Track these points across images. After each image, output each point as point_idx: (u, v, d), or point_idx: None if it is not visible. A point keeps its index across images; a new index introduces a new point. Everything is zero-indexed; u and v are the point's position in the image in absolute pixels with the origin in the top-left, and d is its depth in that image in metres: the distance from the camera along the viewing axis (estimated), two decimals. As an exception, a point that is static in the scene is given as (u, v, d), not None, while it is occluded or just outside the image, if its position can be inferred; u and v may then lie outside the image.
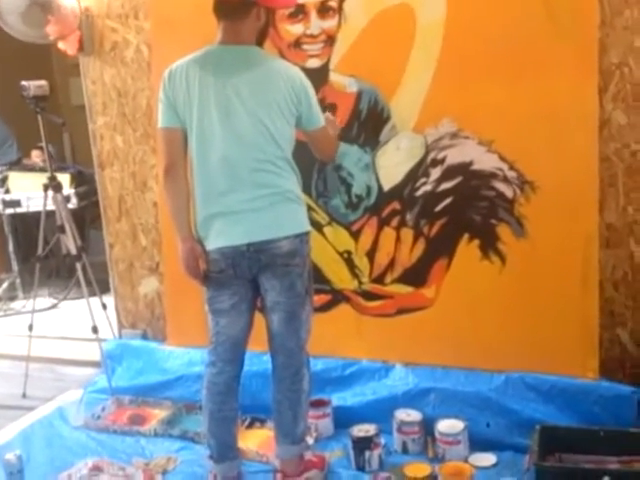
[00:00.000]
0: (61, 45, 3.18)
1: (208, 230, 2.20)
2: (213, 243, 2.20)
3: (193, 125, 2.15)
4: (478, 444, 2.51)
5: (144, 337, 3.47)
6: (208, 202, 2.19)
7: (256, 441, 2.72)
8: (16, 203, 4.50)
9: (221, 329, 2.30)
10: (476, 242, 2.64)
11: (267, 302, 2.28)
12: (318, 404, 2.75)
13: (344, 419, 2.70)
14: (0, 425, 3.03)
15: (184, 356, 3.10)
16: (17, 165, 4.91)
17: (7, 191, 4.59)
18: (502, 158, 2.54)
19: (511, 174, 2.53)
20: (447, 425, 2.52)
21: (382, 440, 2.55)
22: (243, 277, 2.23)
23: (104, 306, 3.37)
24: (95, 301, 3.30)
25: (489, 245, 2.62)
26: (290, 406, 2.34)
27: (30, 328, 3.35)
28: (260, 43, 2.25)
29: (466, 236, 2.65)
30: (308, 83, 2.23)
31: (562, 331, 2.54)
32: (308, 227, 2.27)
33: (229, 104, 2.13)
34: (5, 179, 4.64)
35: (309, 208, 2.83)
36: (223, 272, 2.22)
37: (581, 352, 2.52)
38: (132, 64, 3.15)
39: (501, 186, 2.56)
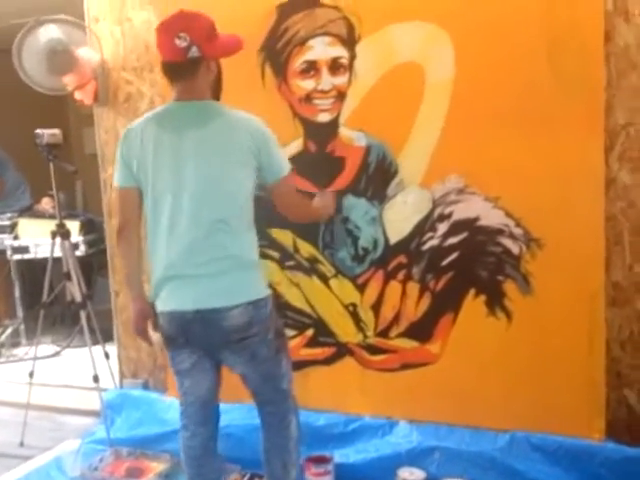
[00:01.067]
0: (78, 95, 3.26)
1: (160, 291, 2.14)
2: (162, 305, 2.15)
3: (148, 185, 2.11)
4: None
5: (145, 387, 3.44)
6: (162, 264, 2.12)
7: (255, 498, 2.66)
8: (24, 249, 4.52)
9: (187, 390, 2.22)
10: (482, 298, 2.63)
11: (240, 375, 2.24)
12: (319, 461, 2.69)
13: (346, 477, 2.65)
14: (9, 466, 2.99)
15: (185, 407, 3.05)
16: (28, 211, 4.97)
17: (16, 237, 4.62)
18: (508, 215, 2.55)
19: (517, 231, 2.54)
20: (451, 485, 2.47)
21: (384, 500, 2.49)
22: (196, 345, 2.16)
23: (107, 355, 3.35)
24: (98, 350, 3.29)
25: (495, 301, 2.61)
26: (279, 454, 2.28)
27: (31, 375, 3.33)
28: (216, 95, 2.22)
29: (472, 291, 2.64)
30: (268, 132, 2.16)
31: (568, 390, 2.50)
32: (264, 292, 2.17)
33: (183, 163, 2.07)
34: (15, 225, 4.68)
35: (316, 260, 2.85)
36: (174, 338, 2.17)
37: (587, 412, 2.48)
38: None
39: (507, 242, 2.56)
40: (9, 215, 4.85)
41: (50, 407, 3.65)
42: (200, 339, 2.12)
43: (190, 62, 2.06)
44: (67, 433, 3.39)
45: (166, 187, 2.09)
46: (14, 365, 4.36)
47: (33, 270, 4.59)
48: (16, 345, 4.70)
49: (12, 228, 4.67)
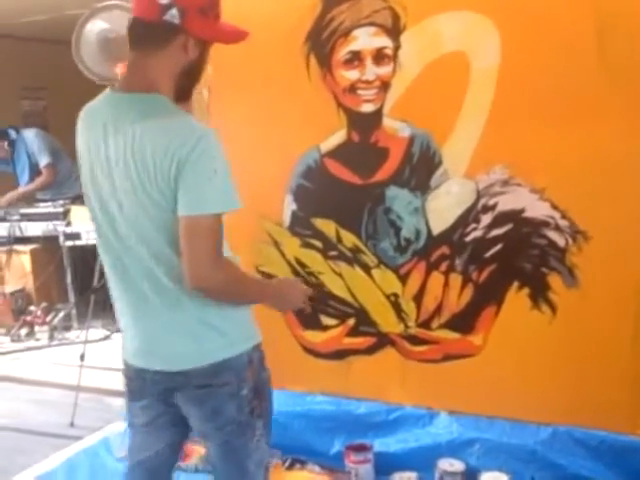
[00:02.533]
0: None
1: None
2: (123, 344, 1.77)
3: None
4: (522, 499, 2.44)
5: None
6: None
7: (296, 483, 2.70)
8: (76, 236, 4.66)
9: (133, 448, 1.82)
10: (526, 290, 2.60)
11: (194, 430, 1.76)
12: (359, 449, 2.72)
13: (385, 465, 2.67)
14: (46, 453, 3.09)
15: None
16: (80, 198, 5.11)
17: (68, 224, 4.76)
18: (554, 206, 2.51)
19: (563, 223, 2.50)
20: (490, 477, 2.46)
21: (423, 489, 2.51)
22: (153, 393, 1.72)
23: (154, 339, 3.42)
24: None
25: (539, 294, 2.57)
26: None
27: (82, 358, 3.43)
28: (184, 91, 1.69)
29: (516, 284, 2.61)
30: (212, 148, 1.55)
31: (612, 385, 2.46)
32: (250, 342, 1.69)
33: (106, 174, 1.59)
34: (67, 212, 4.82)
35: (358, 250, 2.86)
36: (132, 381, 1.76)
37: (631, 408, 2.44)
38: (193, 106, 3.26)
39: (553, 235, 2.52)
40: (62, 202, 5.01)
41: (100, 389, 3.76)
42: (156, 387, 1.69)
43: (163, 27, 1.55)
44: (116, 415, 3.46)
45: (96, 214, 1.69)
46: (66, 348, 4.51)
47: (84, 256, 4.72)
48: (68, 329, 4.86)
49: (65, 215, 4.81)
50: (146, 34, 1.58)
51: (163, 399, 1.70)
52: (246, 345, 1.67)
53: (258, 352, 1.72)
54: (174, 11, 1.53)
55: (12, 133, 5.28)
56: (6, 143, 5.21)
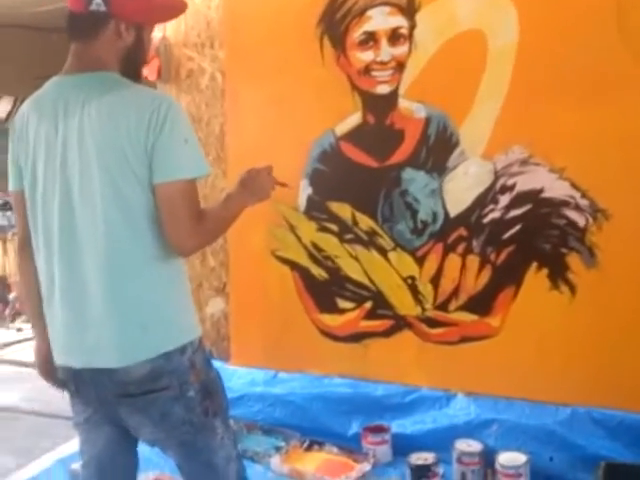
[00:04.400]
0: (145, 71, 3.33)
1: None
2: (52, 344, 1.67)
3: (29, 193, 1.62)
4: (540, 479, 2.42)
5: (209, 356, 3.52)
6: (45, 294, 1.64)
7: (314, 464, 2.71)
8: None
9: (81, 447, 1.78)
10: (545, 271, 2.57)
11: (145, 441, 1.71)
12: (377, 430, 2.73)
13: (403, 446, 2.66)
14: (69, 436, 3.11)
15: (247, 376, 3.13)
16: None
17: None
18: (574, 186, 2.48)
19: (583, 202, 2.47)
20: (509, 458, 2.44)
21: (441, 469, 2.50)
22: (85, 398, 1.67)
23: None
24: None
25: (558, 275, 2.55)
26: None
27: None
28: (131, 71, 1.65)
29: (534, 265, 2.59)
30: (177, 115, 1.56)
31: (631, 366, 2.43)
32: (181, 339, 1.62)
33: (60, 161, 1.55)
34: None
35: (374, 233, 2.85)
36: (65, 383, 1.70)
37: (653, 388, 2.42)
38: (207, 91, 3.26)
39: (572, 214, 2.50)
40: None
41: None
42: (88, 392, 1.63)
43: (92, 17, 1.56)
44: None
45: (46, 198, 1.58)
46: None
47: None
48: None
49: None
50: (79, 26, 1.59)
51: (96, 404, 1.65)
52: (189, 339, 1.64)
53: (200, 353, 1.68)
54: (99, 0, 1.54)
55: None
56: None
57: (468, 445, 2.54)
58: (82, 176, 1.53)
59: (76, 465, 2.56)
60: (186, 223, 1.54)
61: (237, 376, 3.16)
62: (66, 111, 1.54)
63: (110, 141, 1.50)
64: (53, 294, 1.60)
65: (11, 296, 5.06)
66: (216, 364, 3.23)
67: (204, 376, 1.66)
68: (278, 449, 2.79)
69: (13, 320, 5.33)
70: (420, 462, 2.49)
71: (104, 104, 1.52)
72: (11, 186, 1.69)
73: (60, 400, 3.47)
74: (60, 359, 1.65)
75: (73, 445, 3.00)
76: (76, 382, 1.63)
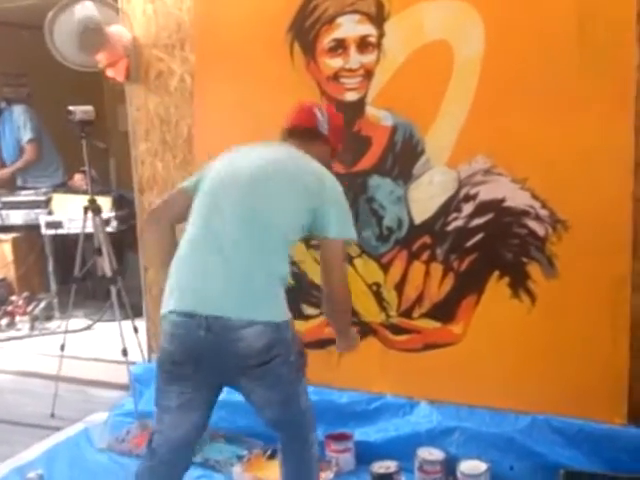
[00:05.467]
0: (110, 72, 3.30)
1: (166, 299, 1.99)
2: (163, 307, 1.99)
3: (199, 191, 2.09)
4: (501, 486, 2.45)
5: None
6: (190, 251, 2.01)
7: (276, 473, 2.68)
8: (58, 224, 4.61)
9: (162, 429, 2.01)
10: (506, 280, 2.61)
11: (254, 403, 2.03)
12: (340, 438, 2.72)
13: (366, 454, 2.67)
14: (26, 444, 3.06)
15: (209, 381, 3.10)
16: (62, 187, 5.06)
17: (50, 212, 4.71)
18: (535, 196, 2.52)
19: (543, 212, 2.51)
20: (470, 466, 2.47)
21: (403, 478, 2.52)
22: (205, 377, 1.96)
23: (135, 329, 3.41)
24: (128, 324, 3.35)
25: (519, 283, 2.59)
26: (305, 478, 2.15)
27: (62, 348, 3.40)
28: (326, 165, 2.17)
29: (496, 273, 2.62)
30: (340, 189, 2.11)
31: (591, 374, 2.48)
32: (288, 315, 1.97)
33: (248, 190, 2.02)
34: (49, 200, 4.77)
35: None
36: (178, 366, 1.95)
37: (610, 397, 2.46)
38: (175, 93, 3.24)
39: (533, 224, 2.54)
40: (44, 190, 4.95)
41: (80, 379, 3.73)
42: (211, 364, 1.92)
43: (316, 132, 2.20)
44: (96, 405, 3.45)
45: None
46: (47, 338, 4.47)
47: (67, 245, 4.68)
48: (50, 318, 4.81)
49: (46, 203, 4.76)
50: (304, 133, 2.20)
51: (217, 374, 1.96)
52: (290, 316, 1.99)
53: (292, 325, 2.01)
54: (325, 125, 2.20)
55: (2, 103, 5.22)
56: None
57: (430, 453, 2.55)
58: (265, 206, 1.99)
59: (32, 474, 2.53)
60: (344, 272, 2.15)
61: (200, 381, 3.13)
62: (275, 160, 2.09)
63: (287, 185, 2.03)
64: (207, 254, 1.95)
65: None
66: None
67: (299, 343, 2.03)
68: (240, 458, 2.77)
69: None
70: (382, 471, 2.51)
71: (302, 166, 2.09)
72: (186, 184, 2.16)
73: (20, 407, 3.44)
74: (178, 304, 1.93)
75: (32, 453, 2.97)
76: (197, 354, 1.91)
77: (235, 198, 2.00)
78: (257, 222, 1.96)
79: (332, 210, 2.02)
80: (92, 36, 3.10)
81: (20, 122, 5.16)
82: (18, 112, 5.19)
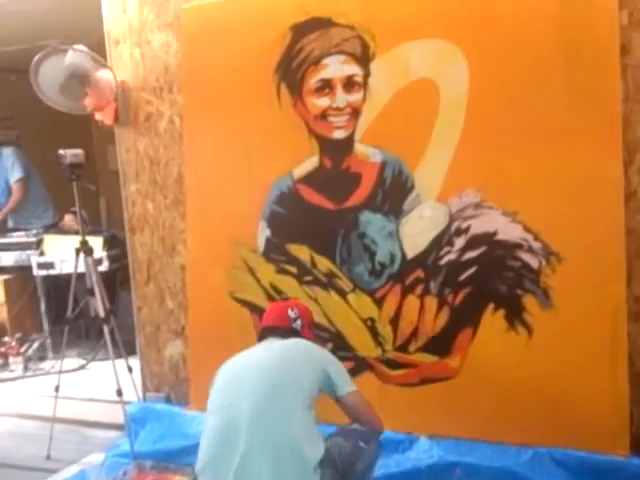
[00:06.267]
0: (98, 116, 3.32)
1: None
2: None
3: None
4: (504, 522, 2.44)
5: (168, 400, 3.47)
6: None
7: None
8: (50, 265, 4.59)
9: None
10: (501, 312, 2.62)
11: None
12: (340, 475, 2.70)
13: (367, 491, 2.64)
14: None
15: (206, 422, 3.08)
16: (53, 228, 5.05)
17: (42, 253, 4.70)
18: (527, 229, 2.54)
19: (536, 245, 2.53)
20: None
21: (405, 515, 2.49)
22: None
23: (130, 369, 3.39)
24: (121, 363, 3.33)
25: (515, 315, 2.59)
26: None
27: (57, 389, 3.37)
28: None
29: (491, 306, 2.63)
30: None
31: (591, 405, 2.48)
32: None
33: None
34: (41, 241, 4.76)
35: (333, 275, 2.86)
36: None
37: (611, 428, 2.45)
38: (165, 134, 3.26)
39: (526, 257, 2.55)
40: (35, 231, 4.94)
41: (76, 420, 3.69)
42: None
43: (290, 331, 2.40)
44: (92, 446, 3.41)
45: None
46: (41, 379, 4.43)
47: (59, 285, 4.65)
48: (43, 359, 4.77)
49: (38, 244, 4.75)
50: (279, 333, 2.38)
51: None
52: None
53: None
54: (299, 322, 2.42)
55: None
56: None
57: (431, 489, 2.53)
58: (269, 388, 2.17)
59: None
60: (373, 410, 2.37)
61: (196, 422, 3.10)
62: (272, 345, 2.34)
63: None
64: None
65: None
66: (175, 410, 3.27)
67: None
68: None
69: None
70: (383, 508, 2.48)
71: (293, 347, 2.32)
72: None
73: (15, 450, 3.40)
74: None
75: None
76: None
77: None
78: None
79: (332, 368, 2.27)
80: (77, 83, 3.12)
81: (9, 163, 5.16)
82: (7, 154, 5.19)
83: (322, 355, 2.33)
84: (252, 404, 2.11)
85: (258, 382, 2.16)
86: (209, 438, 2.17)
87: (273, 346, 2.33)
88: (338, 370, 2.29)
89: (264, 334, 2.43)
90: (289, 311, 2.44)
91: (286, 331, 2.39)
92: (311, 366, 2.24)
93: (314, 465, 2.06)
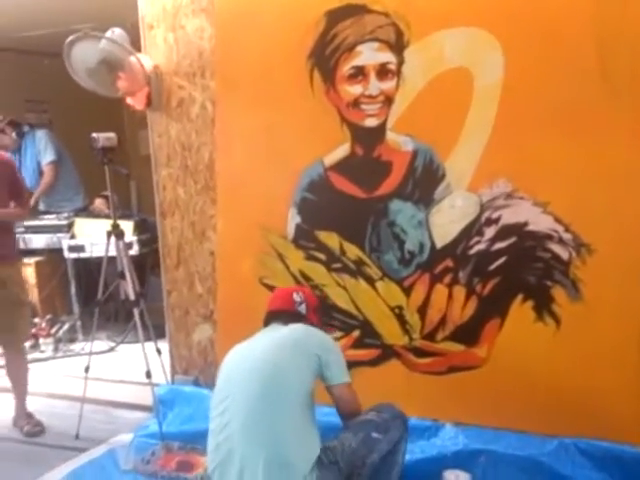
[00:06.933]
0: (129, 100, 3.36)
1: None
2: None
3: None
4: (527, 510, 2.45)
5: (196, 383, 3.52)
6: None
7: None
8: (80, 248, 4.65)
9: None
10: (530, 303, 2.61)
11: None
12: (365, 460, 2.72)
13: (392, 477, 2.66)
14: (52, 465, 3.08)
15: (234, 404, 3.12)
16: (84, 211, 5.12)
17: (72, 236, 4.76)
18: (558, 220, 2.53)
19: (567, 236, 2.52)
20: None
21: (429, 501, 2.51)
22: None
23: (159, 351, 3.44)
24: (150, 346, 3.38)
25: (543, 307, 2.59)
26: None
27: (86, 370, 3.43)
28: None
29: (520, 296, 2.63)
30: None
31: (617, 397, 2.47)
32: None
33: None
34: (71, 225, 4.82)
35: (362, 262, 2.88)
36: None
37: (637, 419, 2.45)
38: (197, 120, 3.29)
39: (556, 248, 2.54)
40: (66, 215, 5.01)
41: (105, 401, 3.74)
42: None
43: (295, 314, 2.43)
44: (121, 427, 3.46)
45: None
46: (71, 360, 4.51)
47: (88, 268, 4.72)
48: (73, 340, 4.85)
49: (69, 227, 4.81)
50: (284, 317, 2.41)
51: None
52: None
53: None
54: (303, 306, 2.45)
55: (25, 127, 5.28)
56: (15, 133, 5.19)
57: (456, 476, 2.54)
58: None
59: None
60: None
61: (225, 405, 3.15)
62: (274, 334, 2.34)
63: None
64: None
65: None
66: (203, 392, 3.31)
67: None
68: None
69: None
70: (408, 493, 2.50)
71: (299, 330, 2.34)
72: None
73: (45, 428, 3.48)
74: None
75: (57, 474, 2.99)
76: None
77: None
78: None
79: (329, 356, 2.27)
80: (107, 69, 3.15)
81: (41, 145, 5.22)
82: (40, 136, 5.26)
83: (321, 342, 2.32)
84: (243, 411, 2.13)
85: (250, 385, 2.16)
86: (213, 442, 2.20)
87: (273, 337, 2.31)
88: (335, 359, 2.29)
89: (269, 318, 2.46)
90: (294, 295, 2.47)
91: (291, 315, 2.41)
92: (305, 355, 2.24)
93: (306, 470, 2.07)
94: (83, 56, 3.19)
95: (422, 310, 2.81)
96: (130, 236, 4.43)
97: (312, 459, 2.09)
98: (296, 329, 2.34)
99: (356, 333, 2.95)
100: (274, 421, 2.11)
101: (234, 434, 2.12)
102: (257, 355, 2.24)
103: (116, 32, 3.21)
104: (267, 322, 2.46)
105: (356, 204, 2.88)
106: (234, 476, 2.10)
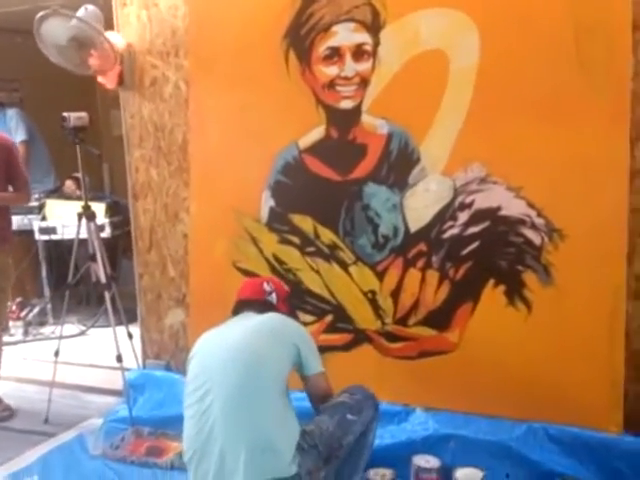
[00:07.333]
0: (100, 79, 3.29)
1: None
2: None
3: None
4: (497, 495, 2.45)
5: (167, 368, 3.49)
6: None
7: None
8: (51, 230, 4.59)
9: None
10: (502, 288, 2.62)
11: None
12: (336, 445, 2.72)
13: (361, 462, 2.66)
14: (20, 450, 3.05)
15: (205, 389, 3.10)
16: (55, 193, 5.04)
17: (43, 218, 4.69)
18: (530, 205, 2.53)
19: (539, 221, 2.52)
20: (465, 473, 2.47)
21: (398, 485, 2.51)
22: None
23: (130, 335, 3.40)
24: (122, 330, 3.34)
25: (515, 291, 2.60)
26: None
27: (56, 354, 3.39)
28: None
29: (492, 281, 2.63)
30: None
31: (587, 383, 2.49)
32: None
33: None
34: (42, 206, 4.74)
35: (336, 246, 2.86)
36: None
37: (606, 405, 2.47)
38: (170, 100, 3.24)
39: (529, 233, 2.55)
40: (36, 196, 4.92)
41: (74, 385, 3.71)
42: None
43: (265, 303, 2.44)
44: (90, 411, 3.44)
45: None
46: (41, 343, 4.45)
47: (60, 251, 4.66)
48: (43, 324, 4.79)
49: (40, 209, 4.73)
50: (254, 307, 2.42)
51: None
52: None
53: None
54: (273, 295, 2.46)
55: None
56: None
57: (426, 461, 2.55)
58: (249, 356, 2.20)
59: (27, 480, 2.52)
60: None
61: (195, 389, 3.12)
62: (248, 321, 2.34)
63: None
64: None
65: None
66: (174, 377, 3.28)
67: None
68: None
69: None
70: (378, 478, 2.50)
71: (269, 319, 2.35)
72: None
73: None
74: None
75: (26, 459, 2.96)
76: None
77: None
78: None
79: (304, 346, 2.29)
80: (78, 47, 3.08)
81: (12, 124, 5.11)
82: (11, 115, 5.15)
83: (296, 331, 2.34)
84: (224, 398, 2.12)
85: (229, 372, 2.15)
86: (190, 429, 2.19)
87: (248, 325, 2.30)
88: (309, 349, 2.31)
89: (239, 307, 2.45)
90: (264, 285, 2.49)
91: (261, 304, 2.43)
92: (283, 345, 2.25)
93: (290, 455, 2.08)
94: (53, 32, 3.11)
95: (395, 295, 2.81)
96: (102, 218, 4.38)
97: (293, 444, 2.10)
98: (271, 317, 2.34)
99: (329, 318, 2.94)
100: (255, 407, 2.10)
101: (215, 420, 2.11)
102: (234, 342, 2.22)
103: (89, 9, 3.14)
104: (236, 311, 2.45)
105: (330, 187, 2.86)
106: (214, 462, 2.09)
